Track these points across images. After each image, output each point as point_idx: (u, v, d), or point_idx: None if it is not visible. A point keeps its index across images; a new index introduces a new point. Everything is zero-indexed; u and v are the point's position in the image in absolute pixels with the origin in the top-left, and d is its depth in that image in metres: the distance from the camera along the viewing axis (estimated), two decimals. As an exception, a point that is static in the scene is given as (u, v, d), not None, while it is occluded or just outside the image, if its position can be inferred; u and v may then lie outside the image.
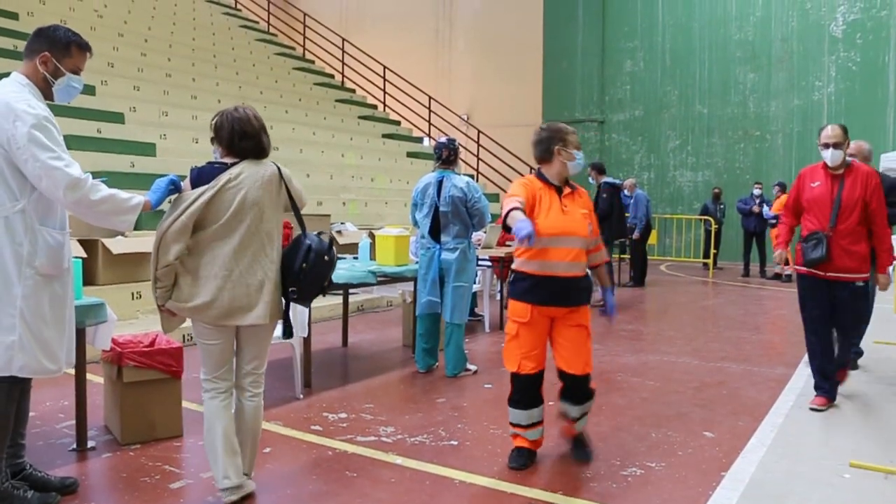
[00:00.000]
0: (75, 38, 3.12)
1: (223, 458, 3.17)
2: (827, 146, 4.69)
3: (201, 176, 3.15)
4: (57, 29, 3.11)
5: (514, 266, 3.78)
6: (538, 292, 3.66)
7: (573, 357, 3.74)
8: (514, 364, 3.75)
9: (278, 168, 3.31)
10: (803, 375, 5.81)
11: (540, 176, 3.82)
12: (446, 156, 5.72)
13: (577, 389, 3.81)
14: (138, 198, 3.14)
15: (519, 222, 3.29)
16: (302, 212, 3.41)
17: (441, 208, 5.62)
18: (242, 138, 3.17)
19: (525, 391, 3.77)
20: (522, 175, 9.89)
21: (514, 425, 3.85)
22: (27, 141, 2.85)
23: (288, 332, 3.45)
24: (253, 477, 3.39)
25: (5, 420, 3.05)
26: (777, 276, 13.24)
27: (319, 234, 3.37)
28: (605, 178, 9.97)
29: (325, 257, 3.28)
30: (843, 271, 4.67)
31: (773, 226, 13.08)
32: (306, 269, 3.21)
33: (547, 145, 3.77)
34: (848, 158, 4.80)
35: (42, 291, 3.02)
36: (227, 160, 3.19)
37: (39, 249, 2.99)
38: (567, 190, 3.79)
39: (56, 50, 3.07)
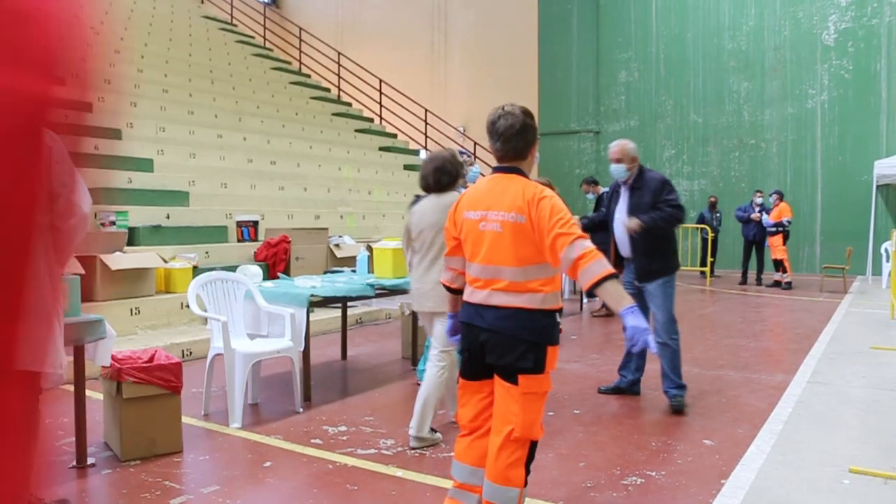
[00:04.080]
0: None
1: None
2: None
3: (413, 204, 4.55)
4: None
5: (546, 305, 2.75)
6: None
7: None
8: (542, 426, 2.85)
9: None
10: (801, 383, 5.83)
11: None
12: None
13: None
14: None
15: (634, 313, 2.54)
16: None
17: None
18: (423, 178, 4.40)
19: None
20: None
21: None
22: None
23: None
24: (428, 433, 4.26)
25: None
26: (777, 284, 13.27)
27: None
28: (606, 189, 10.02)
29: None
30: None
31: (773, 234, 13.15)
32: None
33: (534, 136, 2.90)
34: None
35: None
36: (423, 194, 4.47)
37: None
38: None
39: None
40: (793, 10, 15.97)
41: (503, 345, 2.74)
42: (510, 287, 2.74)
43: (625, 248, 5.19)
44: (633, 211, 5.07)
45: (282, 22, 21.76)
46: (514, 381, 2.74)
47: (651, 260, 5.07)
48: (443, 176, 4.31)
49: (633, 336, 2.54)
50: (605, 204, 5.50)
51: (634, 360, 5.47)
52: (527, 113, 2.87)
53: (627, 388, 5.50)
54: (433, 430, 4.31)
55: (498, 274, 2.77)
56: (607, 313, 9.75)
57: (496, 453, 2.77)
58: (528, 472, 2.82)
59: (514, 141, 2.82)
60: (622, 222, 5.13)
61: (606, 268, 2.52)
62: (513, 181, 2.80)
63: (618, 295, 2.55)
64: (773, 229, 13.12)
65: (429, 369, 4.31)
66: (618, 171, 5.22)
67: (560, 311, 2.83)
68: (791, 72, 16.03)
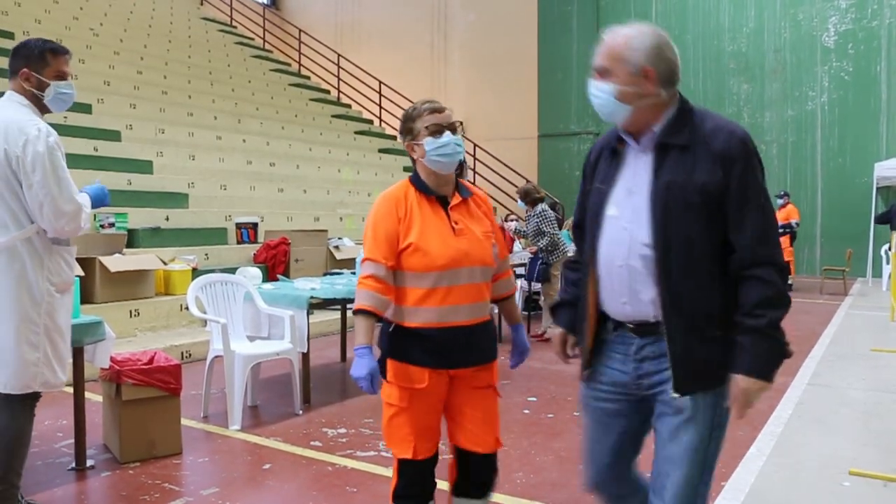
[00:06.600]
0: (47, 45, 3.14)
1: None
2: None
3: None
4: (27, 42, 3.16)
5: (390, 315, 2.59)
6: (438, 351, 2.54)
7: (482, 430, 2.64)
8: (406, 447, 2.61)
9: None
10: (802, 385, 5.82)
11: (415, 182, 2.68)
12: None
13: (483, 474, 2.69)
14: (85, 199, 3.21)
15: (358, 356, 2.49)
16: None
17: None
18: None
19: (422, 482, 2.64)
20: (517, 187, 9.57)
21: None
22: (36, 166, 2.93)
23: None
24: None
25: (26, 436, 3.12)
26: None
27: None
28: None
29: None
30: None
31: (780, 234, 13.14)
32: None
33: (403, 138, 2.72)
34: None
35: (59, 306, 3.13)
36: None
37: (56, 266, 3.11)
38: (456, 198, 2.63)
39: (32, 63, 3.09)
40: (793, 11, 15.97)
41: None
42: None
43: (618, 293, 2.14)
44: (662, 200, 2.02)
45: (281, 24, 21.76)
46: None
47: (705, 335, 2.07)
48: None
49: (356, 380, 2.51)
50: (588, 180, 2.31)
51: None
52: (404, 116, 2.69)
53: None
54: None
55: None
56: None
57: None
58: (398, 494, 2.63)
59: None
60: (625, 225, 2.09)
61: (361, 302, 2.49)
62: None
63: (358, 330, 2.51)
64: (781, 231, 13.12)
65: None
66: (605, 100, 2.17)
67: (407, 330, 2.55)
68: (791, 74, 16.02)
